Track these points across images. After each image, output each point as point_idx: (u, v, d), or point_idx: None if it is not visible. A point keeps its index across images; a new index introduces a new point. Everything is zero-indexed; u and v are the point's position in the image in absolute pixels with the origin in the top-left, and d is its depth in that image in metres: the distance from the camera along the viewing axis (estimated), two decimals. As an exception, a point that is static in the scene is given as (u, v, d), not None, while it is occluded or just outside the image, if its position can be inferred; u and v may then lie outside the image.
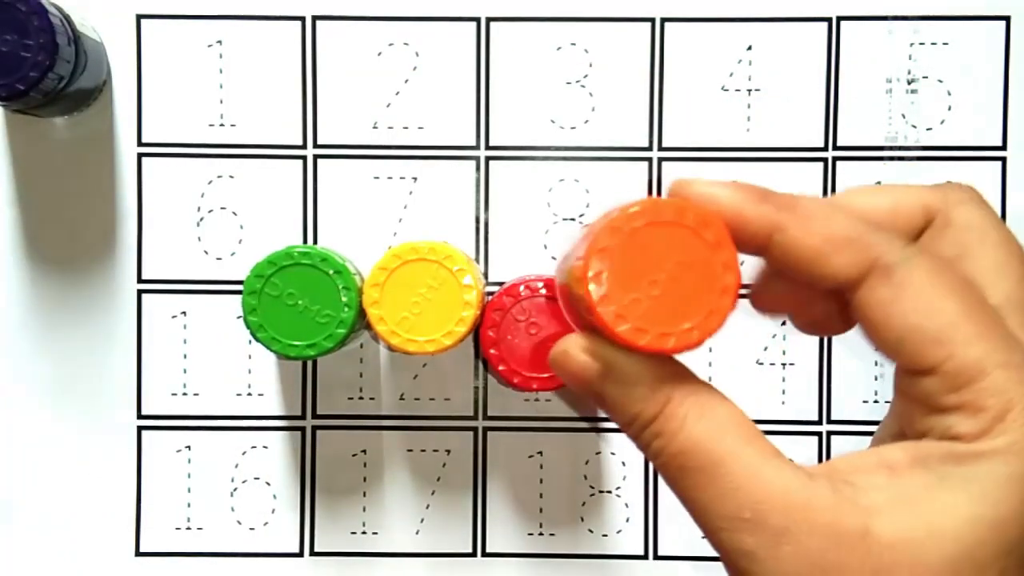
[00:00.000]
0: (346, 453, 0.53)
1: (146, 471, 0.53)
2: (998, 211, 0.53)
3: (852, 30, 0.53)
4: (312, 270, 0.44)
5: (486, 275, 0.53)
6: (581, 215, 0.53)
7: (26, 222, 0.52)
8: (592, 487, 0.53)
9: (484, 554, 0.53)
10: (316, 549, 0.53)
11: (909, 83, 0.53)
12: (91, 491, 0.53)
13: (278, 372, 0.53)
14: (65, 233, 0.53)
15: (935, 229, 0.32)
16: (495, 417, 0.53)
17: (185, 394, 0.53)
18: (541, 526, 0.53)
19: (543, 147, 0.53)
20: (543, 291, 0.46)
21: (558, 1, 0.52)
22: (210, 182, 0.53)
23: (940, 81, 0.53)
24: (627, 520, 0.53)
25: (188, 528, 0.53)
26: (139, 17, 0.52)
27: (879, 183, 0.53)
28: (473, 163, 0.53)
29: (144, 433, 0.53)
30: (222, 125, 0.53)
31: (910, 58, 0.53)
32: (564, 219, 0.53)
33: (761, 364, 0.53)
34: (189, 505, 0.53)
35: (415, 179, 0.53)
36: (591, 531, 0.53)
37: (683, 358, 0.30)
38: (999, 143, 0.53)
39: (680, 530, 0.53)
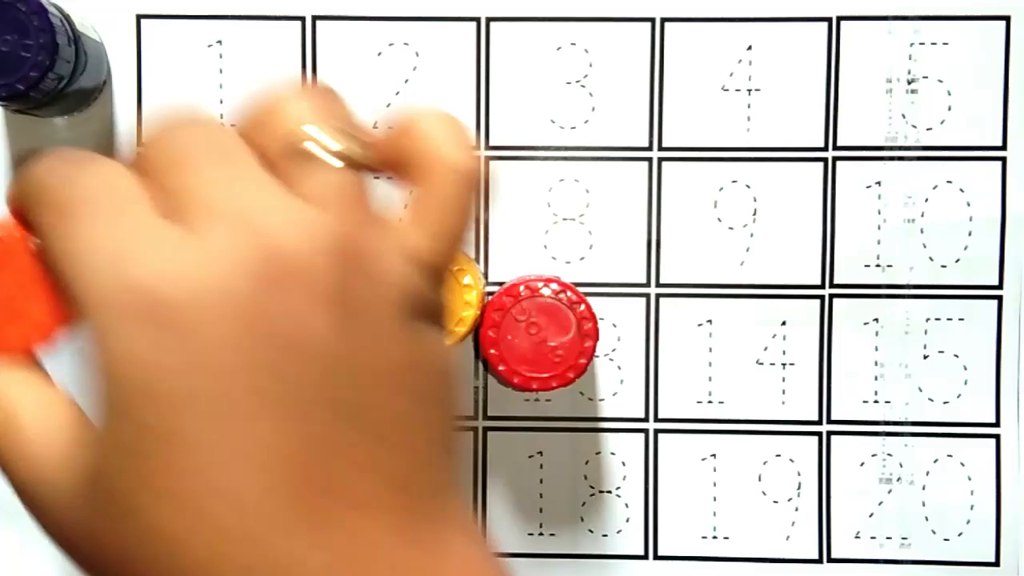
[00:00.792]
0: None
1: (146, 471, 0.53)
2: (998, 211, 0.53)
3: (852, 30, 0.53)
4: None
5: (486, 275, 0.53)
6: (581, 215, 0.53)
7: (26, 222, 0.52)
8: (592, 487, 0.53)
9: (484, 554, 0.53)
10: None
11: (909, 83, 0.53)
12: (91, 491, 0.53)
13: (278, 372, 0.53)
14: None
15: None
16: (495, 417, 0.53)
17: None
18: (541, 526, 0.53)
19: (543, 147, 0.53)
20: (544, 291, 0.46)
21: (558, 1, 0.52)
22: (210, 182, 0.53)
23: (940, 81, 0.53)
24: (627, 520, 0.53)
25: (188, 528, 0.53)
26: (139, 17, 0.52)
27: (878, 183, 0.53)
28: (473, 163, 0.53)
29: (144, 433, 0.53)
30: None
31: (910, 58, 0.53)
32: (564, 219, 0.53)
33: (761, 364, 0.53)
34: (189, 505, 0.53)
35: (415, 179, 0.53)
36: (591, 531, 0.53)
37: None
38: (999, 143, 0.53)
39: (680, 530, 0.53)
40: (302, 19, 0.53)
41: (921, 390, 0.53)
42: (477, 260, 0.52)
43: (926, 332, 0.53)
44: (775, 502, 0.53)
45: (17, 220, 0.30)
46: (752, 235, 0.53)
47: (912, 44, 0.53)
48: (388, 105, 0.53)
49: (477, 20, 0.53)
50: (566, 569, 0.53)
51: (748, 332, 0.53)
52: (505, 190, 0.53)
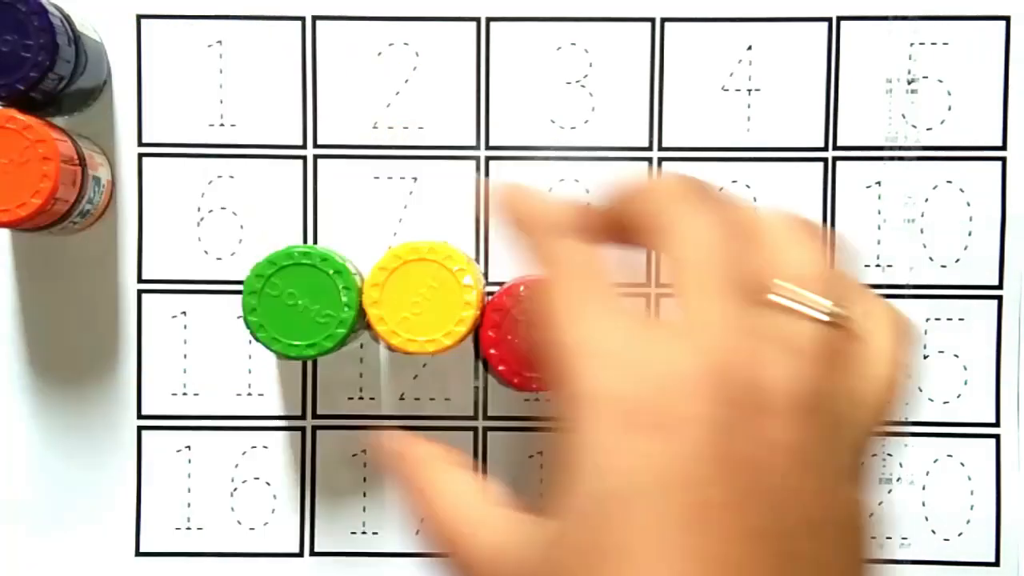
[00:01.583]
0: (346, 453, 0.53)
1: (146, 471, 0.53)
2: (998, 211, 0.53)
3: (852, 30, 0.53)
4: (312, 270, 0.44)
5: (486, 275, 0.53)
6: (581, 215, 0.53)
7: (26, 222, 0.52)
8: (592, 487, 0.53)
9: (484, 554, 0.53)
10: (316, 549, 0.53)
11: (909, 83, 0.53)
12: (91, 491, 0.53)
13: (278, 372, 0.53)
14: (64, 232, 0.53)
15: None
16: (495, 417, 0.53)
17: (185, 394, 0.53)
18: (541, 526, 0.53)
19: (543, 147, 0.53)
20: None
21: (558, 1, 0.52)
22: (210, 182, 0.53)
23: (940, 81, 0.53)
24: (627, 520, 0.53)
25: (188, 528, 0.53)
26: (139, 17, 0.52)
27: (879, 183, 0.53)
28: (473, 163, 0.53)
29: (144, 433, 0.53)
30: (222, 125, 0.53)
31: (910, 58, 0.53)
32: (564, 219, 0.53)
33: (761, 364, 0.53)
34: (189, 505, 0.53)
35: (415, 179, 0.53)
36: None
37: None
38: (999, 143, 0.53)
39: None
40: (302, 19, 0.53)
41: (921, 390, 0.53)
42: (477, 260, 0.53)
43: (926, 332, 0.53)
44: (775, 502, 0.53)
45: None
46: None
47: (912, 44, 0.53)
48: (388, 105, 0.53)
49: (477, 20, 0.53)
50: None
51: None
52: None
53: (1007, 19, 0.52)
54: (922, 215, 0.53)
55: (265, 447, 0.53)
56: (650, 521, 0.25)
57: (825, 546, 0.27)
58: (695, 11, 0.52)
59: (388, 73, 0.53)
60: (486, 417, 0.53)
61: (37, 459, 0.53)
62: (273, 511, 0.53)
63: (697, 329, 0.27)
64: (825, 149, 0.53)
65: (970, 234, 0.53)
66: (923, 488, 0.53)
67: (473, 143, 0.53)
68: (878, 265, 0.53)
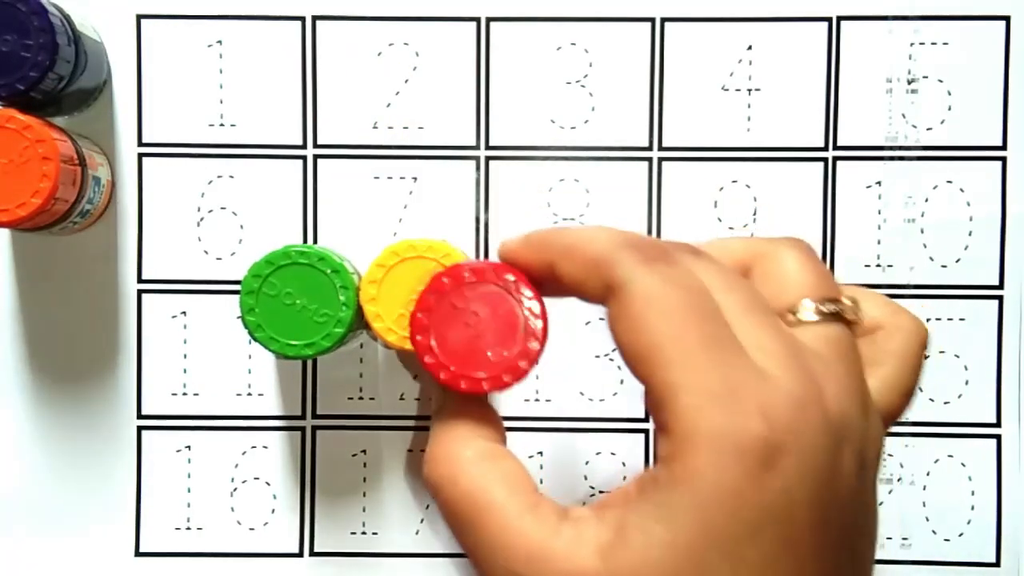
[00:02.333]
0: (346, 453, 0.53)
1: (146, 471, 0.53)
2: (998, 211, 0.52)
3: (852, 30, 0.52)
4: (310, 269, 0.44)
5: (486, 275, 0.53)
6: (581, 215, 0.53)
7: (26, 222, 0.53)
8: (592, 487, 0.53)
9: (484, 554, 0.53)
10: (316, 549, 0.53)
11: (909, 83, 0.53)
12: (91, 491, 0.53)
13: (278, 372, 0.53)
14: (64, 232, 0.53)
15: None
16: (495, 417, 0.53)
17: (185, 394, 0.53)
18: (541, 526, 0.53)
19: (543, 147, 0.53)
20: (490, 279, 0.36)
21: (558, 1, 0.52)
22: (210, 182, 0.53)
23: (940, 81, 0.53)
24: (627, 520, 0.53)
25: (188, 528, 0.53)
26: (139, 17, 0.53)
27: (879, 183, 0.53)
28: (473, 163, 0.53)
29: (144, 433, 0.53)
30: (222, 125, 0.53)
31: (910, 58, 0.53)
32: (564, 219, 0.53)
33: (761, 364, 0.53)
34: (189, 505, 0.53)
35: (415, 179, 0.53)
36: (591, 531, 0.53)
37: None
38: (999, 143, 0.53)
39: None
40: (302, 19, 0.53)
41: (922, 390, 0.53)
42: (477, 260, 0.52)
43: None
44: (775, 502, 0.53)
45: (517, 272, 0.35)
46: (752, 235, 0.53)
47: (912, 44, 0.52)
48: (388, 105, 0.53)
49: (477, 20, 0.53)
50: None
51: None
52: (505, 190, 0.53)
53: (1007, 19, 0.52)
54: (922, 215, 0.53)
55: (265, 447, 0.53)
56: (778, 550, 0.28)
57: (867, 542, 0.31)
58: (695, 11, 0.52)
59: (388, 73, 0.53)
60: (486, 417, 0.53)
61: (37, 459, 0.53)
62: (273, 511, 0.53)
63: (775, 360, 0.30)
64: (825, 149, 0.53)
65: (970, 234, 0.53)
66: (924, 488, 0.53)
67: (473, 143, 0.53)
68: (878, 265, 0.53)
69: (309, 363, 0.53)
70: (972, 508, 0.53)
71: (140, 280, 0.53)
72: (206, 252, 0.53)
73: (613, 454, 0.53)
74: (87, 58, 0.49)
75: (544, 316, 0.36)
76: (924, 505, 0.53)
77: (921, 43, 0.52)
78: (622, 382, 0.53)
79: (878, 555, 0.53)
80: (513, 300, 0.36)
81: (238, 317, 0.52)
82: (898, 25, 0.52)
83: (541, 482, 0.53)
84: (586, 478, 0.53)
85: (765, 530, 0.28)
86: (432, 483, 0.33)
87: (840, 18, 0.52)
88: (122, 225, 0.53)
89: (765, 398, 0.29)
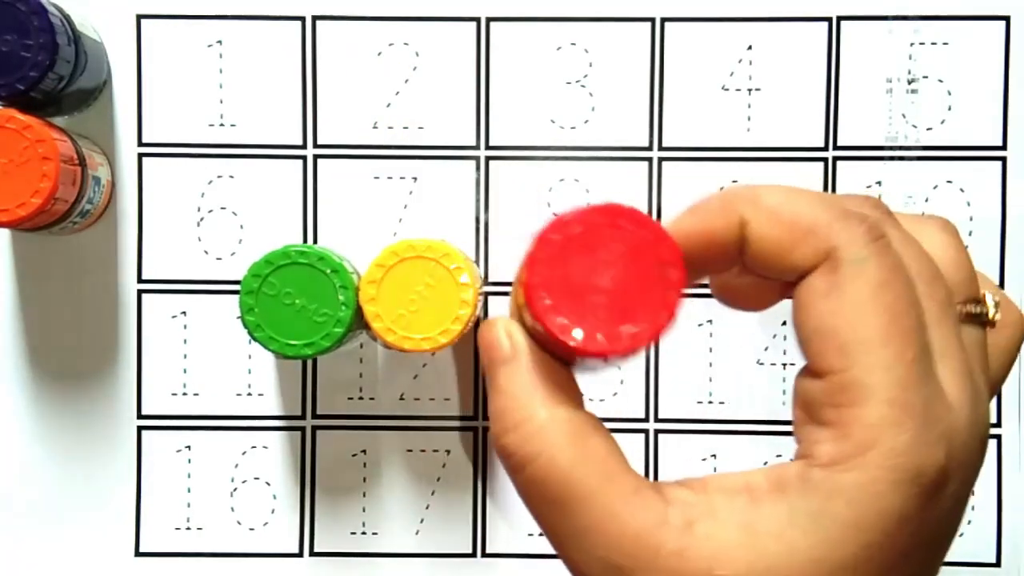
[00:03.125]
0: (346, 453, 0.53)
1: (146, 471, 0.53)
2: (998, 211, 0.52)
3: (852, 30, 0.52)
4: (309, 269, 0.44)
5: (485, 275, 0.53)
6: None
7: (27, 222, 0.53)
8: (592, 487, 0.53)
9: (484, 554, 0.53)
10: (316, 549, 0.53)
11: (909, 83, 0.53)
12: (91, 491, 0.53)
13: (278, 372, 0.53)
14: (64, 232, 0.53)
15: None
16: (495, 417, 0.53)
17: (185, 394, 0.53)
18: (541, 526, 0.53)
19: (543, 147, 0.53)
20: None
21: (558, 1, 0.52)
22: (210, 182, 0.53)
23: (940, 81, 0.53)
24: (627, 520, 0.53)
25: (188, 528, 0.53)
26: (139, 17, 0.53)
27: (879, 183, 0.53)
28: (473, 163, 0.53)
29: (144, 433, 0.53)
30: (222, 125, 0.53)
31: (910, 58, 0.52)
32: (564, 219, 0.53)
33: (761, 364, 0.53)
34: (189, 505, 0.53)
35: (415, 179, 0.53)
36: (591, 531, 0.53)
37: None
38: (999, 143, 0.52)
39: (680, 530, 0.53)
40: (302, 19, 0.53)
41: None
42: (476, 260, 0.53)
43: (927, 332, 0.53)
44: (775, 502, 0.53)
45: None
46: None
47: (912, 44, 0.52)
48: (388, 105, 0.53)
49: (477, 20, 0.53)
50: (566, 569, 0.53)
51: (748, 332, 0.53)
52: (505, 190, 0.53)
53: (1007, 19, 0.52)
54: (922, 215, 0.53)
55: (265, 447, 0.53)
56: (917, 572, 0.28)
57: (940, 559, 0.30)
58: (695, 11, 0.52)
59: (388, 73, 0.53)
60: (486, 417, 0.53)
61: (37, 459, 0.53)
62: (273, 511, 0.53)
63: (957, 380, 0.28)
64: (825, 149, 0.53)
65: (970, 234, 0.53)
66: (924, 489, 0.53)
67: (473, 143, 0.53)
68: (878, 265, 0.53)
69: (309, 363, 0.53)
70: (972, 508, 0.53)
71: (140, 280, 0.53)
72: (206, 252, 0.53)
73: (613, 454, 0.53)
74: (87, 58, 0.49)
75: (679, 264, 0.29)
76: (924, 505, 0.53)
77: (921, 43, 0.52)
78: (622, 382, 0.53)
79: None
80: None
81: (238, 317, 0.52)
82: (898, 25, 0.52)
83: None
84: (586, 478, 0.53)
85: (914, 555, 0.27)
86: (509, 454, 0.28)
87: (840, 18, 0.52)
88: (122, 225, 0.53)
89: (950, 426, 0.27)
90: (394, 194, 0.53)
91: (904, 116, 0.53)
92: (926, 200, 0.52)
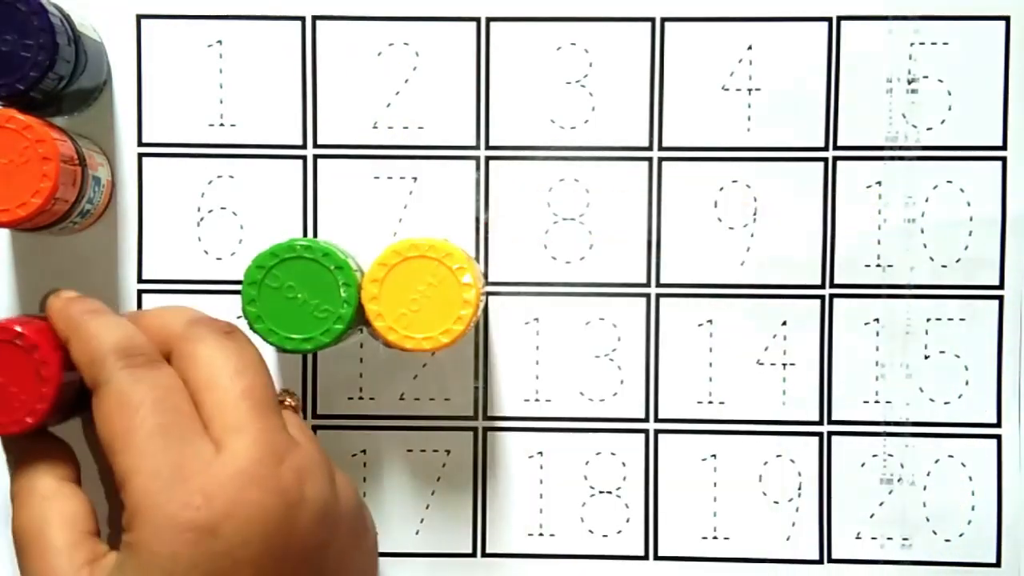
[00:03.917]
0: (346, 453, 0.53)
1: (146, 471, 0.53)
2: (998, 211, 0.52)
3: (852, 30, 0.53)
4: (314, 264, 0.44)
5: (486, 275, 0.53)
6: (581, 215, 0.53)
7: (26, 222, 0.52)
8: (592, 487, 0.53)
9: (484, 554, 0.53)
10: (316, 549, 0.53)
11: (909, 83, 0.53)
12: (91, 491, 0.53)
13: (278, 372, 0.53)
14: (64, 232, 0.53)
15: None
16: (495, 417, 0.53)
17: (185, 394, 0.53)
18: (541, 526, 0.53)
19: (543, 147, 0.53)
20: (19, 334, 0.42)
21: (558, 1, 0.53)
22: (210, 182, 0.53)
23: (940, 81, 0.53)
24: (627, 520, 0.53)
25: (188, 528, 0.53)
26: (139, 17, 0.53)
27: (879, 183, 0.53)
28: (473, 163, 0.53)
29: (144, 433, 0.53)
30: (222, 125, 0.53)
31: (910, 58, 0.53)
32: (564, 219, 0.53)
33: (761, 364, 0.53)
34: (189, 505, 0.53)
35: (415, 179, 0.53)
36: (591, 531, 0.53)
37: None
38: (999, 143, 0.53)
39: (680, 530, 0.53)
40: (302, 19, 0.53)
41: (922, 390, 0.53)
42: (477, 260, 0.52)
43: (927, 332, 0.53)
44: (775, 502, 0.53)
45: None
46: (752, 235, 0.53)
47: (912, 44, 0.53)
48: (388, 105, 0.53)
49: (477, 20, 0.53)
50: (566, 569, 0.53)
51: (748, 332, 0.53)
52: (505, 190, 0.53)
53: (1007, 19, 0.52)
54: (922, 215, 0.53)
55: (265, 447, 0.53)
56: None
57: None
58: (695, 11, 0.52)
59: (388, 73, 0.53)
60: (486, 417, 0.53)
61: (37, 459, 0.53)
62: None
63: (242, 439, 0.39)
64: (825, 149, 0.53)
65: (970, 234, 0.53)
66: (924, 489, 0.53)
67: (473, 143, 0.53)
68: (878, 265, 0.53)
69: (309, 363, 0.53)
70: (972, 508, 0.53)
71: (140, 280, 0.53)
72: (206, 252, 0.53)
73: (613, 454, 0.53)
74: (87, 58, 0.49)
75: (56, 362, 0.42)
76: (924, 505, 0.53)
77: (921, 43, 0.52)
78: (622, 382, 0.53)
79: (878, 556, 0.53)
80: (20, 350, 0.42)
81: (239, 317, 0.52)
82: (898, 25, 0.52)
83: (541, 482, 0.53)
84: (586, 478, 0.53)
85: None
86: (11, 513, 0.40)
87: (840, 18, 0.53)
88: (122, 225, 0.53)
89: (209, 478, 0.36)
90: (394, 194, 0.53)
91: (904, 116, 0.53)
92: (926, 200, 0.52)
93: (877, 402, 0.53)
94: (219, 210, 0.53)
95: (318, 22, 0.53)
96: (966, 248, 0.53)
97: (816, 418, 0.53)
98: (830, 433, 0.53)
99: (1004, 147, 0.52)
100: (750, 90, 0.53)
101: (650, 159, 0.53)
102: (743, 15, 0.52)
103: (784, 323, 0.53)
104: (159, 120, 0.53)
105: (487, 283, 0.53)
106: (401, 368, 0.53)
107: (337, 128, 0.53)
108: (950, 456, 0.53)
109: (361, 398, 0.53)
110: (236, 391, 0.39)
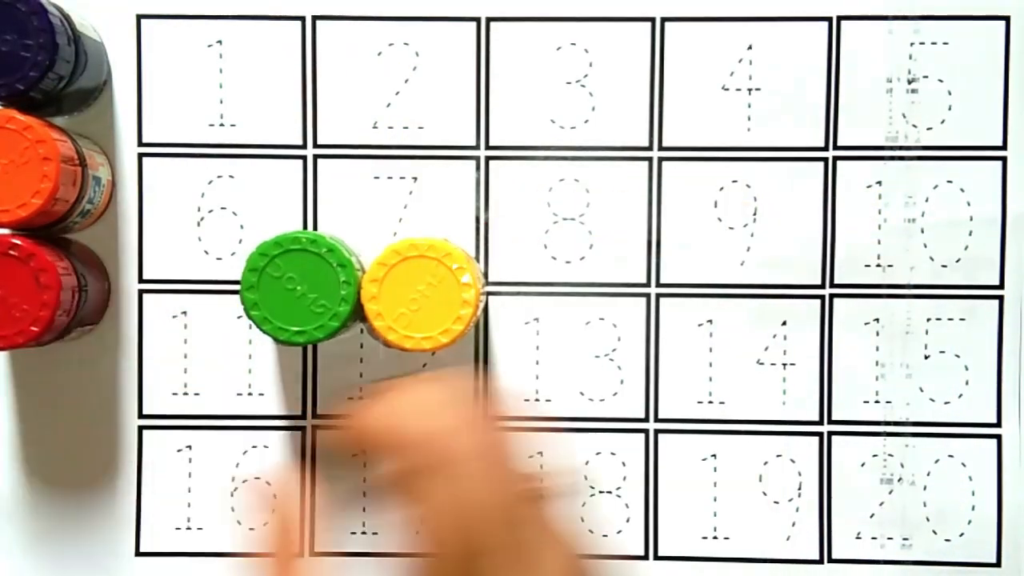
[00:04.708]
0: (346, 453, 0.53)
1: (146, 471, 0.53)
2: (998, 211, 0.52)
3: (852, 30, 0.52)
4: (317, 258, 0.44)
5: (486, 275, 0.53)
6: (581, 215, 0.53)
7: (26, 222, 0.52)
8: (592, 487, 0.53)
9: (484, 554, 0.53)
10: (316, 549, 0.53)
11: (909, 83, 0.53)
12: (91, 491, 0.53)
13: (278, 372, 0.53)
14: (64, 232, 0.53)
15: None
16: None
17: (186, 394, 0.53)
18: (541, 526, 0.53)
19: (543, 147, 0.53)
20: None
21: (558, 1, 0.53)
22: (210, 182, 0.53)
23: (940, 81, 0.53)
24: (627, 520, 0.53)
25: (188, 528, 0.53)
26: (139, 17, 0.53)
27: (879, 183, 0.53)
28: (473, 163, 0.53)
29: (145, 433, 0.53)
30: (222, 125, 0.53)
31: (910, 58, 0.53)
32: (564, 219, 0.53)
33: (761, 364, 0.53)
34: (189, 505, 0.53)
35: (415, 179, 0.53)
36: (591, 531, 0.53)
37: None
38: (999, 143, 0.53)
39: (680, 530, 0.53)
40: (302, 19, 0.53)
41: (922, 390, 0.53)
42: (477, 260, 0.53)
43: (927, 332, 0.53)
44: (776, 502, 0.53)
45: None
46: (752, 235, 0.53)
47: (912, 44, 0.52)
48: (388, 105, 0.53)
49: (477, 20, 0.53)
50: (566, 569, 0.53)
51: (748, 332, 0.53)
52: (505, 190, 0.53)
53: (1007, 19, 0.52)
54: (922, 215, 0.53)
55: (265, 447, 0.53)
56: None
57: None
58: (695, 11, 0.52)
59: (388, 73, 0.53)
60: (486, 417, 0.53)
61: (37, 458, 0.53)
62: (273, 511, 0.53)
63: None
64: (825, 149, 0.53)
65: (970, 234, 0.53)
66: (924, 488, 0.53)
67: (473, 143, 0.53)
68: (878, 265, 0.53)
69: (309, 364, 0.53)
70: (973, 508, 0.53)
71: (140, 280, 0.53)
72: (206, 252, 0.53)
73: (613, 454, 0.53)
74: (87, 58, 0.49)
75: (52, 268, 0.43)
76: (925, 505, 0.53)
77: (921, 43, 0.52)
78: (622, 382, 0.53)
79: (878, 555, 0.53)
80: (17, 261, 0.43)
81: (239, 317, 0.52)
82: (898, 25, 0.52)
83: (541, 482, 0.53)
84: (586, 478, 0.53)
85: None
86: None
87: (840, 18, 0.52)
88: (122, 225, 0.53)
89: None
90: (394, 194, 0.53)
91: (904, 116, 0.53)
92: (926, 200, 0.52)
93: (877, 402, 0.53)
94: (219, 210, 0.53)
95: (318, 22, 0.53)
96: (966, 248, 0.53)
97: (816, 418, 0.53)
98: (830, 433, 0.53)
99: (1004, 147, 0.52)
100: (750, 90, 0.53)
101: (650, 159, 0.53)
102: (743, 15, 0.52)
103: (784, 323, 0.53)
104: (159, 120, 0.53)
105: (487, 283, 0.53)
106: (401, 368, 0.53)
107: (337, 128, 0.53)
108: (950, 456, 0.53)
109: (361, 398, 0.53)
110: None
